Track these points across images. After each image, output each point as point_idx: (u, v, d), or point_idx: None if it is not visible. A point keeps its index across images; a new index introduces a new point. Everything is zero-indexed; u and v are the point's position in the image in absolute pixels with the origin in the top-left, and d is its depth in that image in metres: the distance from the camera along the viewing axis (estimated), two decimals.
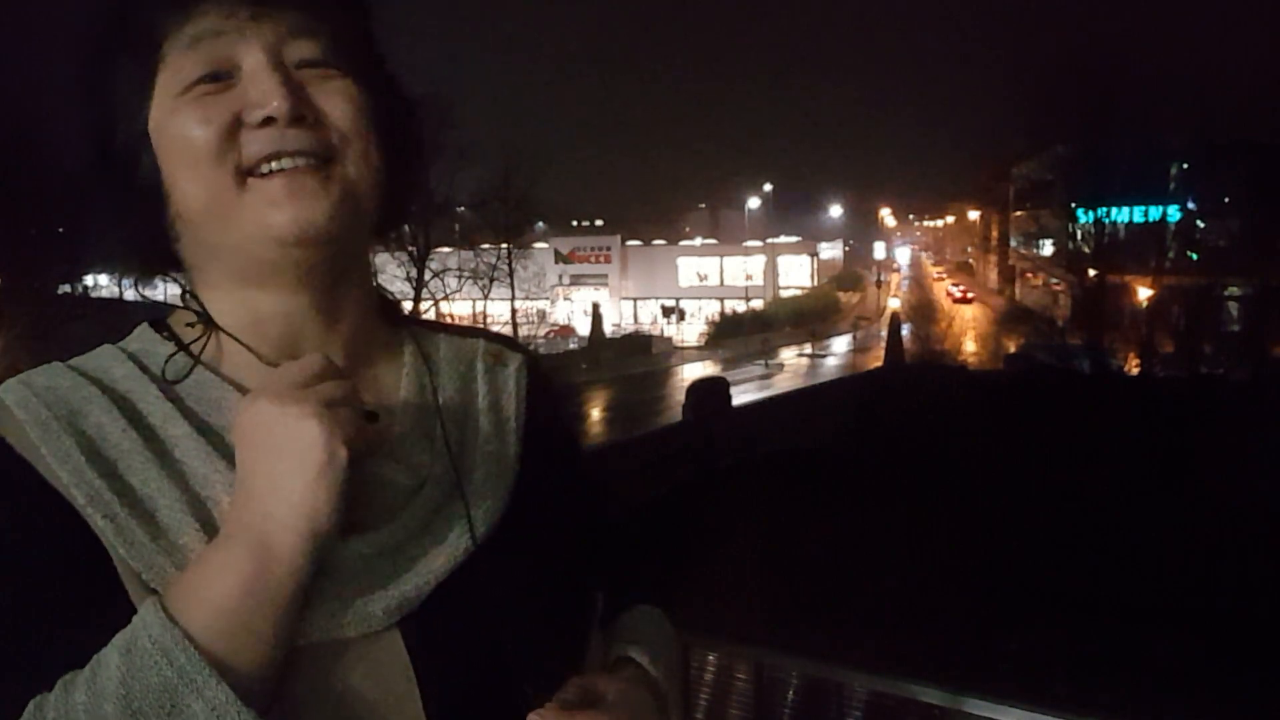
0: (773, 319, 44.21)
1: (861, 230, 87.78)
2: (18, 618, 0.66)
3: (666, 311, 46.94)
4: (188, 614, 0.64)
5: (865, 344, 41.16)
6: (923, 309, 41.72)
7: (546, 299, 39.03)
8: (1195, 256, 27.01)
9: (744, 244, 51.94)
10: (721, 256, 51.45)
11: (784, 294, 51.29)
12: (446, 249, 30.00)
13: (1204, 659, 8.28)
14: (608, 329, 41.21)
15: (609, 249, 49.70)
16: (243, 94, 0.73)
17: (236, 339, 0.78)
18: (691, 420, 19.11)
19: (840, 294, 57.87)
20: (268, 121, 0.72)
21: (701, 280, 50.39)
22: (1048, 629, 8.99)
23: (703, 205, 74.32)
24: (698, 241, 55.86)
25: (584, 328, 40.62)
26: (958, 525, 11.72)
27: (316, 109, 0.74)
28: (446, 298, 27.28)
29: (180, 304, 0.82)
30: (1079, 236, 27.23)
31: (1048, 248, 35.23)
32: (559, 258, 48.02)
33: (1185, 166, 27.63)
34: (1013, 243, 46.79)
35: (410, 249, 25.91)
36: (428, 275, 26.69)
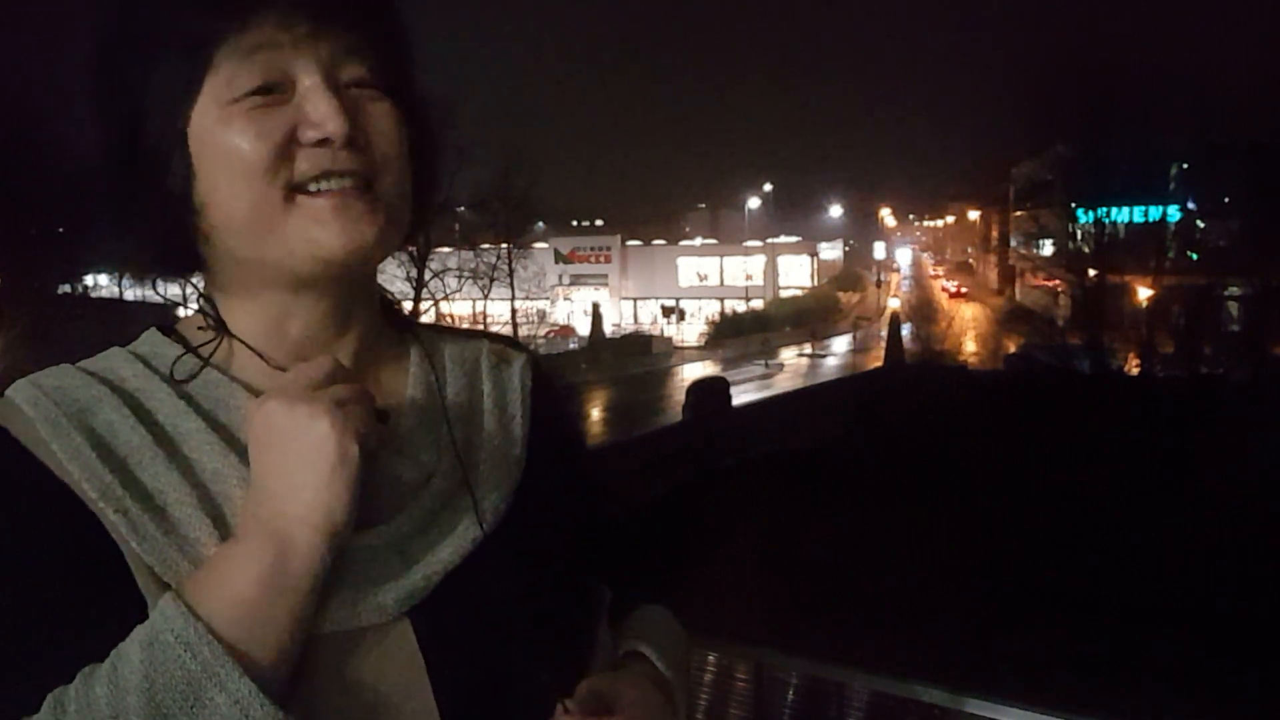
0: (773, 319, 44.21)
1: (862, 230, 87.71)
2: (33, 612, 0.67)
3: (666, 311, 46.95)
4: (208, 608, 0.65)
5: (865, 344, 41.16)
6: (923, 309, 41.79)
7: (546, 299, 39.00)
8: (1195, 256, 27.02)
9: (744, 244, 51.92)
10: (721, 256, 51.43)
11: (784, 294, 51.25)
12: (446, 249, 30.01)
13: (1204, 659, 8.28)
14: (608, 329, 41.21)
15: (609, 249, 49.68)
16: (297, 110, 0.72)
17: (249, 346, 0.78)
18: (691, 420, 19.12)
19: (840, 294, 57.88)
20: (322, 141, 0.72)
21: (701, 280, 50.38)
22: (1048, 629, 8.99)
23: (703, 205, 74.39)
24: (698, 241, 55.85)
25: (584, 328, 40.62)
26: (958, 525, 11.72)
27: (365, 131, 0.74)
28: (446, 298, 27.27)
29: (179, 304, 0.82)
30: (1079, 236, 27.24)
31: (1048, 248, 35.24)
32: (559, 258, 48.00)
33: (1185, 166, 27.64)
34: (1013, 243, 46.82)
35: (410, 249, 25.88)
36: (428, 275, 26.68)
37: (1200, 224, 27.69)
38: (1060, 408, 16.78)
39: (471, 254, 29.36)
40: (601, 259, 49.38)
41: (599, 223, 66.16)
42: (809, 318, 46.05)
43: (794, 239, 57.65)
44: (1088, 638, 8.88)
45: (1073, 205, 27.32)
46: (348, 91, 0.74)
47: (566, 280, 47.36)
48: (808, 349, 40.22)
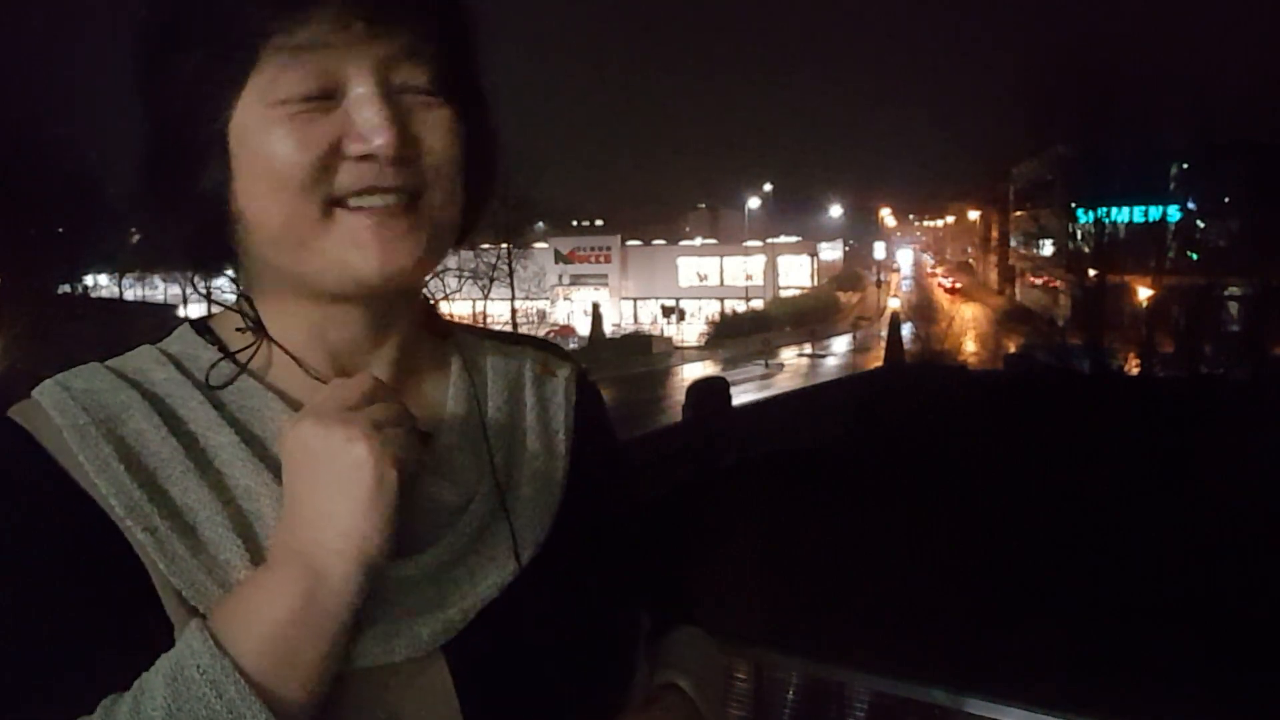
0: (773, 319, 44.19)
1: (862, 230, 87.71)
2: (55, 635, 0.64)
3: (666, 311, 46.94)
4: (235, 643, 0.62)
5: (865, 344, 41.16)
6: (923, 309, 41.81)
7: (546, 299, 39.04)
8: (1195, 256, 27.00)
9: (744, 244, 51.90)
10: (721, 256, 51.42)
11: (784, 294, 51.28)
12: None
13: (1204, 659, 8.27)
14: (608, 329, 41.20)
15: (609, 249, 49.66)
16: (344, 119, 0.68)
17: (288, 352, 0.75)
18: (691, 420, 19.09)
19: (840, 294, 57.89)
20: (368, 156, 0.68)
21: (701, 280, 50.36)
22: (1048, 629, 8.98)
23: (703, 205, 74.27)
24: (698, 241, 55.84)
25: (584, 328, 40.60)
26: (958, 525, 11.71)
27: (416, 141, 0.70)
28: (446, 298, 27.20)
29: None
30: (1079, 236, 27.22)
31: (1048, 248, 35.25)
32: (559, 258, 47.99)
33: (1185, 166, 27.63)
34: (1013, 243, 46.86)
35: None
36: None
37: (1200, 224, 27.67)
38: (1060, 408, 16.76)
39: (471, 254, 29.35)
40: (601, 259, 49.36)
41: (599, 223, 66.16)
42: (809, 318, 46.05)
43: (794, 239, 57.67)
44: (1088, 638, 8.87)
45: (1073, 205, 27.31)
46: (401, 98, 0.69)
47: (566, 280, 47.37)
48: (808, 349, 40.21)
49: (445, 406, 0.80)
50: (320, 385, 0.72)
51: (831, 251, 69.79)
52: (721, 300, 47.69)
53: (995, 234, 56.27)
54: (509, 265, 31.33)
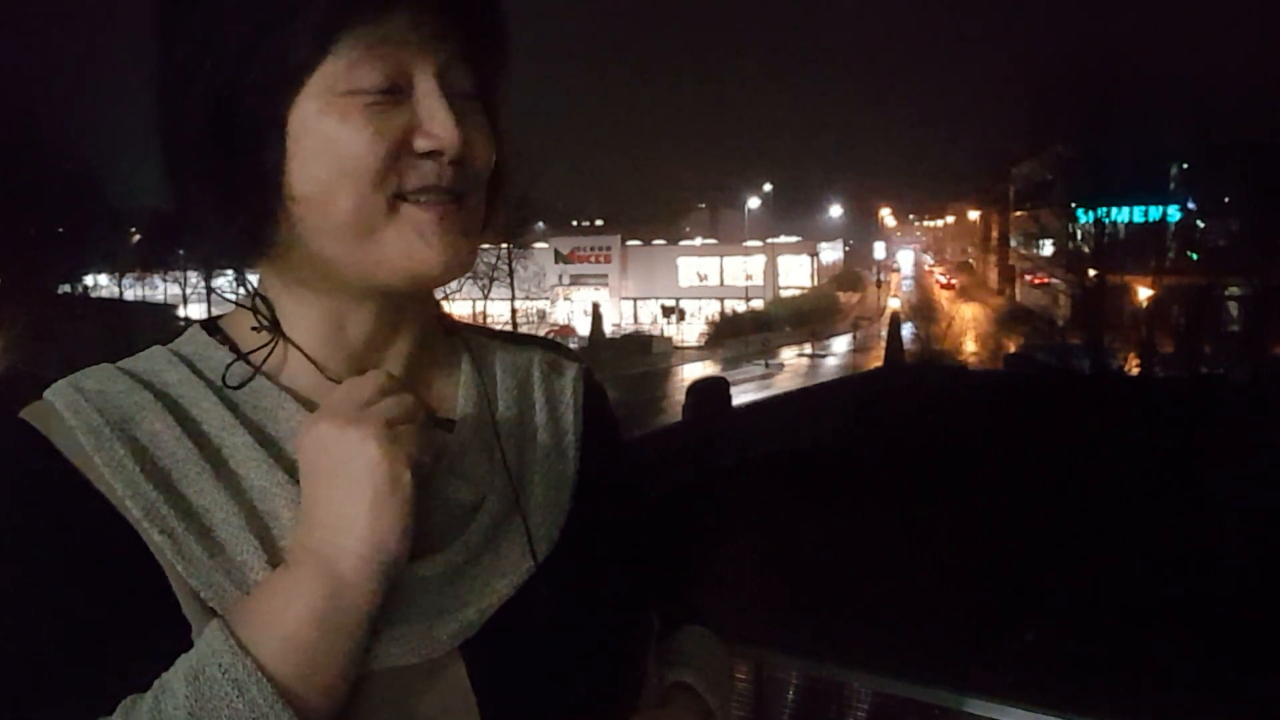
0: (773, 319, 44.20)
1: (862, 230, 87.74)
2: (73, 636, 0.64)
3: (666, 311, 46.95)
4: (256, 643, 0.62)
5: (865, 344, 41.15)
6: (923, 309, 41.82)
7: (546, 299, 39.03)
8: (1195, 256, 27.02)
9: (744, 244, 51.90)
10: (721, 256, 51.39)
11: (784, 294, 51.25)
12: None
13: (1204, 659, 8.28)
14: (608, 329, 41.19)
15: (609, 249, 49.64)
16: (411, 115, 0.69)
17: (304, 353, 0.74)
18: (691, 420, 19.09)
19: (840, 294, 57.86)
20: (432, 153, 0.69)
21: (701, 280, 50.35)
22: (1048, 629, 8.99)
23: (703, 205, 74.21)
24: (698, 241, 55.81)
25: (584, 328, 40.58)
26: (958, 525, 11.71)
27: (470, 144, 0.71)
28: (446, 298, 26.92)
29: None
30: (1079, 236, 27.25)
31: (1048, 248, 35.26)
32: (559, 258, 47.98)
33: (1185, 166, 27.67)
34: (1013, 243, 46.83)
35: None
36: None
37: (1200, 224, 27.69)
38: (1060, 408, 16.76)
39: None
40: (601, 259, 49.35)
41: (599, 223, 66.09)
42: (809, 318, 46.03)
43: (794, 239, 57.64)
44: (1088, 638, 8.87)
45: (1073, 205, 27.34)
46: (454, 100, 0.70)
47: (566, 280, 47.35)
48: (808, 349, 40.22)
49: (457, 404, 0.81)
50: (334, 385, 0.72)
51: (831, 252, 69.74)
52: (721, 300, 47.67)
53: (995, 234, 56.26)
54: (509, 265, 31.33)
